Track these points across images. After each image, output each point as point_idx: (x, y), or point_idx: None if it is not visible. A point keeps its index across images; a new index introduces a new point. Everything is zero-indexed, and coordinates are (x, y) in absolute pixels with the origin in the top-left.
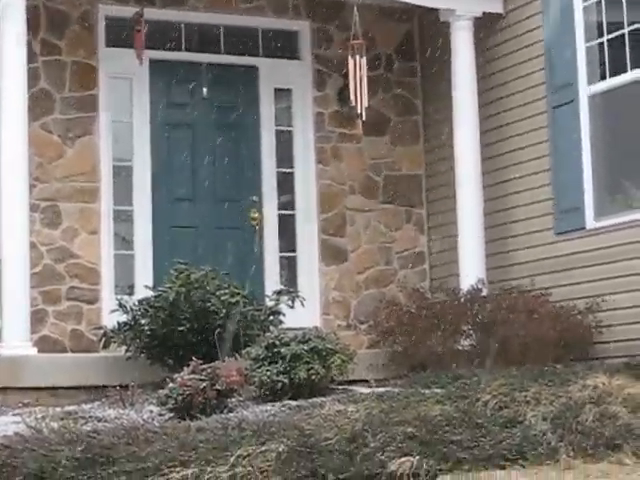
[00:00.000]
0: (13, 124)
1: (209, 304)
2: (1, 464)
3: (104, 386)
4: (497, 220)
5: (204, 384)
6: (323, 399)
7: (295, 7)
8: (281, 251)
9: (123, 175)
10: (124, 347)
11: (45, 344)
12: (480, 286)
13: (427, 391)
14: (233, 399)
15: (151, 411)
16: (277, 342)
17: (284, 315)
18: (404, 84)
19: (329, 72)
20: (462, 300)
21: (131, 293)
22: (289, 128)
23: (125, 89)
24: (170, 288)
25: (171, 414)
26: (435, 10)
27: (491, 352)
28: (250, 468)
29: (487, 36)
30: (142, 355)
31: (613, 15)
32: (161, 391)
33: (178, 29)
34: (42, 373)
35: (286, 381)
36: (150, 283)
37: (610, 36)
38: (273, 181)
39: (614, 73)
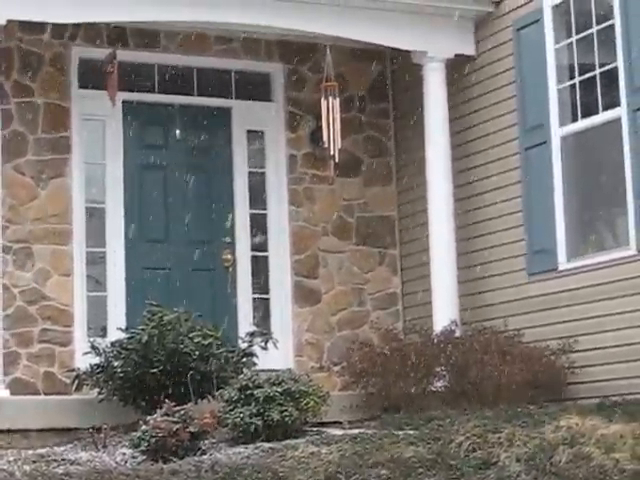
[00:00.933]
0: None
1: (182, 346)
2: None
3: (77, 428)
4: (471, 261)
5: (177, 426)
6: (297, 441)
7: (268, 49)
8: (254, 292)
9: (96, 217)
10: (97, 389)
11: (17, 386)
12: (453, 327)
13: (400, 433)
14: (206, 441)
15: (124, 454)
16: (250, 384)
17: (257, 357)
18: (377, 125)
19: (302, 114)
20: (435, 341)
21: (104, 335)
22: (262, 170)
23: (98, 131)
24: (143, 330)
25: (144, 457)
26: (407, 52)
27: (465, 393)
28: None
29: (459, 78)
30: (115, 397)
31: (584, 57)
32: (134, 433)
33: (151, 71)
34: (14, 415)
35: (259, 423)
36: (123, 325)
37: (582, 78)
38: (246, 223)
39: (586, 114)
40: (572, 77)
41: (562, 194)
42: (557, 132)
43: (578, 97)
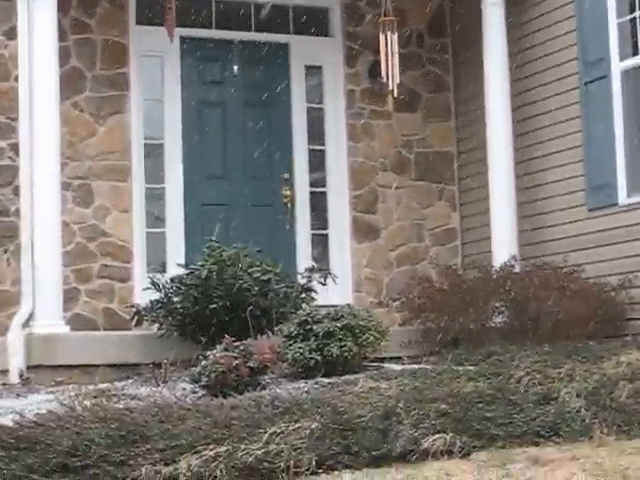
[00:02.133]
0: (45, 102)
1: (241, 282)
2: (35, 442)
3: (137, 364)
4: (529, 197)
5: (237, 361)
6: (356, 376)
7: None
8: (313, 228)
9: (155, 153)
10: (156, 325)
11: (78, 322)
12: (512, 263)
13: (460, 368)
14: (266, 376)
15: (184, 389)
16: (309, 319)
17: (316, 292)
18: (435, 61)
19: (360, 49)
20: (494, 277)
21: (163, 271)
22: (320, 105)
23: (156, 67)
24: (202, 266)
25: (204, 392)
26: None
27: (524, 329)
28: (283, 445)
29: (519, 12)
30: (175, 333)
31: None
32: (194, 369)
33: (209, 6)
34: (75, 351)
35: (319, 358)
36: (182, 261)
37: None
38: (305, 159)
39: None
40: (632, 10)
41: (622, 129)
42: (617, 66)
43: (639, 31)
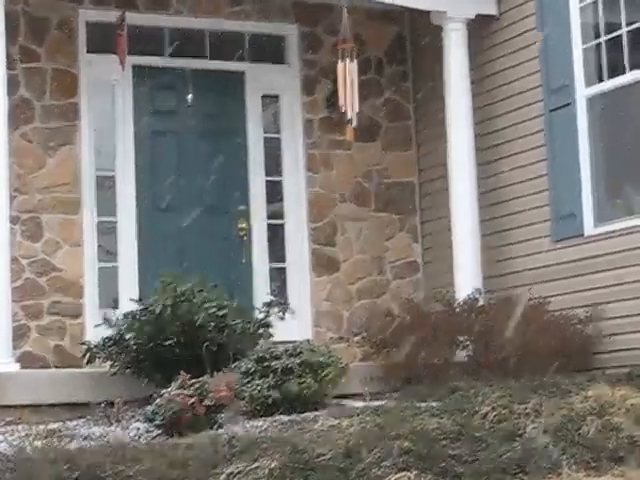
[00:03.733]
0: None
1: (197, 317)
2: None
3: (89, 403)
4: (493, 227)
5: (193, 400)
6: (316, 413)
7: (282, 11)
8: (270, 261)
9: (106, 185)
10: (109, 362)
11: (28, 360)
12: (477, 295)
13: (423, 404)
14: (223, 415)
15: (138, 428)
16: (267, 355)
17: (274, 328)
18: (395, 89)
19: (318, 77)
20: (458, 310)
21: (116, 307)
22: (277, 135)
23: (107, 96)
24: (156, 301)
25: (159, 431)
26: (427, 12)
27: (489, 364)
28: None
29: (480, 38)
30: (128, 370)
31: (610, 16)
32: (148, 407)
33: (162, 34)
34: (25, 390)
35: (277, 395)
36: (135, 296)
37: (607, 37)
38: (262, 190)
39: (612, 74)
40: (597, 36)
41: (588, 157)
42: (582, 93)
43: (604, 57)
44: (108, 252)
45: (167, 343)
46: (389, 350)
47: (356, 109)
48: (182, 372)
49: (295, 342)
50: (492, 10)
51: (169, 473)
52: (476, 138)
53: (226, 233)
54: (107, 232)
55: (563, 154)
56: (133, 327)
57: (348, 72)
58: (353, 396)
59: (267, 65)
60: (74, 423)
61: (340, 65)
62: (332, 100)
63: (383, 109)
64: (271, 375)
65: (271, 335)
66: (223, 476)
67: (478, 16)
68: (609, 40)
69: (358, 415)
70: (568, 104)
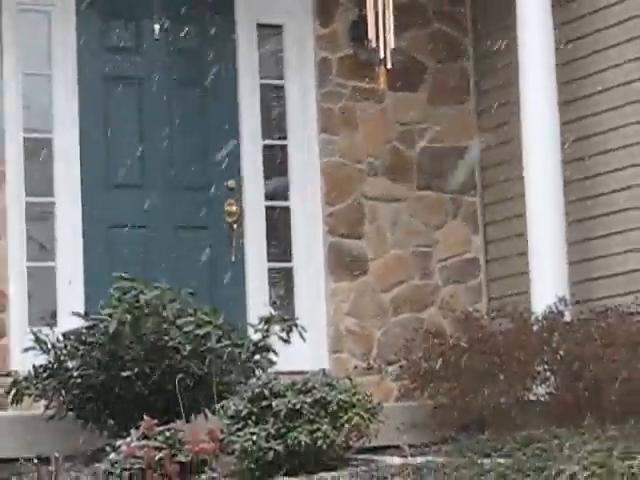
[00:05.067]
0: None
1: (167, 338)
2: None
3: (15, 459)
4: (585, 213)
5: (161, 454)
6: (334, 474)
7: None
8: (270, 260)
9: (40, 153)
10: (43, 402)
11: None
12: (561, 308)
13: (487, 461)
14: (204, 475)
15: None
16: (266, 392)
17: (276, 353)
18: (447, 15)
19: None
20: (535, 328)
21: (53, 323)
22: (280, 82)
23: (41, 27)
24: (110, 315)
25: None
26: None
27: (578, 403)
28: None
29: None
30: (70, 413)
31: None
32: (98, 465)
33: None
34: None
35: (280, 449)
36: (81, 309)
37: None
38: (258, 159)
39: None
40: None
41: None
42: None
43: None
44: (42, 246)
45: (125, 374)
46: (438, 385)
47: (392, 45)
48: (146, 416)
49: (306, 373)
50: None
51: None
52: (560, 86)
53: (208, 220)
54: (40, 218)
55: None
56: (77, 352)
57: None
58: (388, 449)
59: None
60: None
61: None
62: (358, 32)
63: (430, 45)
64: (272, 420)
65: (272, 363)
66: None
67: None
68: None
69: (393, 476)
70: None
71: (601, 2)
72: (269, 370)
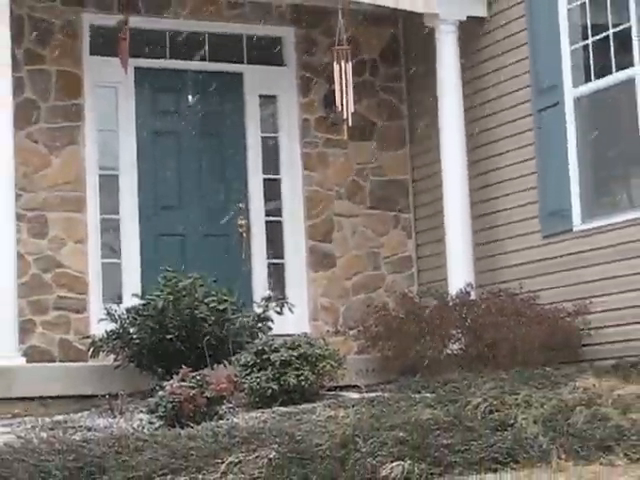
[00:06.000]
0: None
1: (197, 311)
2: None
3: (93, 395)
4: (485, 223)
5: (194, 392)
6: (313, 405)
7: (280, 13)
8: (269, 258)
9: (110, 184)
10: (113, 356)
11: (34, 354)
12: (469, 290)
13: (417, 395)
14: (223, 406)
15: (141, 420)
16: (266, 349)
17: (273, 322)
18: (390, 89)
19: (314, 78)
20: (451, 304)
21: (119, 302)
22: (275, 135)
23: (111, 98)
24: (158, 296)
25: (161, 422)
26: (419, 15)
27: (480, 356)
28: (241, 475)
29: (472, 40)
30: (131, 364)
31: (597, 17)
32: (150, 399)
33: (162, 37)
34: (31, 383)
35: (276, 387)
36: (138, 291)
37: (595, 38)
38: (260, 188)
39: (599, 75)
40: (585, 37)
41: (576, 155)
42: (570, 93)
43: (591, 57)
44: (111, 249)
45: (169, 337)
46: (384, 343)
47: (351, 109)
48: (183, 365)
49: (293, 335)
50: (482, 12)
51: (171, 463)
52: (468, 137)
53: (226, 230)
54: (110, 229)
55: (552, 152)
56: (136, 322)
57: (344, 73)
58: (349, 388)
59: (265, 67)
60: (79, 415)
61: (336, 67)
62: (328, 100)
63: (377, 109)
64: (270, 368)
65: (270, 329)
66: (223, 466)
67: (469, 18)
68: (596, 41)
69: (354, 406)
70: (556, 104)
71: (488, 91)
72: (268, 333)
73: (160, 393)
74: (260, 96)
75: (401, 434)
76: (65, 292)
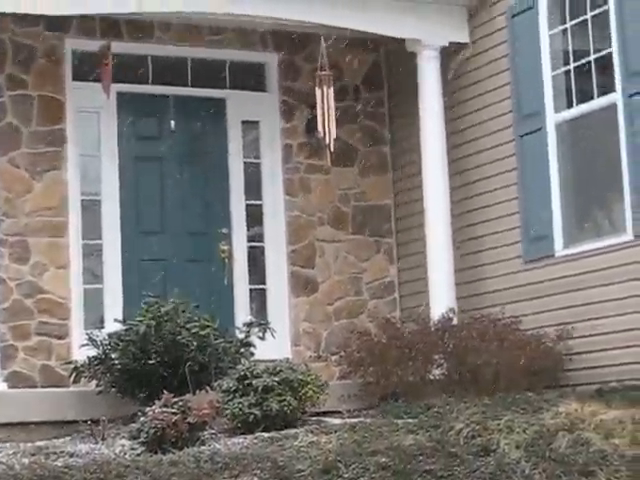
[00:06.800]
0: None
1: (180, 337)
2: None
3: (75, 421)
4: (466, 249)
5: (176, 417)
6: (296, 430)
7: (262, 39)
8: (251, 283)
9: (92, 209)
10: (94, 381)
11: (15, 379)
12: (451, 315)
13: (400, 421)
14: (205, 432)
15: (123, 445)
16: (248, 374)
17: (255, 347)
18: (372, 114)
19: (297, 104)
20: (433, 329)
21: (101, 327)
22: (257, 160)
23: (93, 122)
24: (140, 321)
25: (143, 448)
26: (401, 40)
27: (463, 381)
28: None
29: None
30: (113, 389)
31: (579, 43)
32: (133, 425)
33: (145, 62)
34: (13, 408)
35: (258, 413)
36: (120, 316)
37: (576, 64)
38: (242, 213)
39: (581, 101)
40: (567, 63)
41: (558, 181)
42: (552, 118)
43: (573, 83)
44: (93, 274)
45: (151, 362)
46: (366, 368)
47: (334, 135)
48: (165, 391)
49: (275, 361)
50: (464, 38)
51: None
52: (450, 162)
53: (208, 255)
54: (93, 254)
55: (534, 178)
56: (118, 347)
57: (326, 99)
58: (332, 413)
59: (247, 92)
60: (61, 441)
61: (318, 92)
62: (310, 126)
63: (360, 134)
64: (252, 393)
65: (252, 354)
66: None
67: (451, 43)
68: (578, 67)
69: (336, 432)
70: (538, 129)
71: (469, 117)
72: (250, 359)
73: (142, 419)
74: (243, 122)
75: (383, 460)
76: (47, 318)
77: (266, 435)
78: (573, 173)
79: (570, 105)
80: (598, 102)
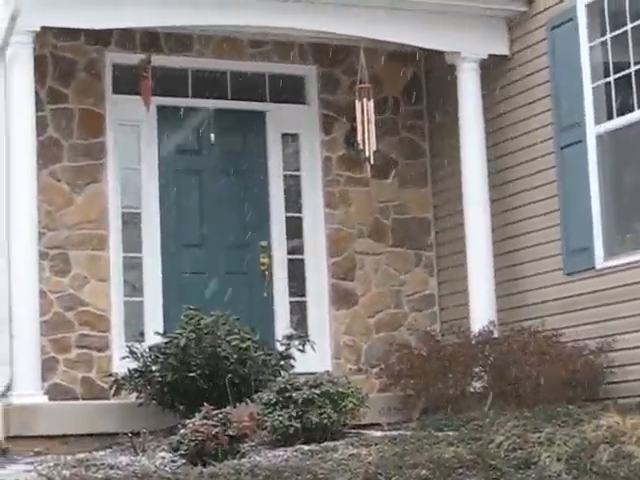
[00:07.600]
0: (22, 173)
1: (220, 349)
2: None
3: (115, 433)
4: (507, 261)
5: (216, 430)
6: (336, 443)
7: (302, 52)
8: (291, 295)
9: (132, 222)
10: (135, 394)
11: (56, 392)
12: (491, 328)
13: (440, 434)
14: (245, 444)
15: (163, 458)
16: (288, 387)
17: (295, 359)
18: (411, 127)
19: (336, 116)
20: (473, 342)
21: (141, 340)
22: (297, 173)
23: (133, 136)
24: (180, 334)
25: (183, 460)
26: (441, 53)
27: (503, 394)
28: None
29: (494, 78)
30: (153, 401)
31: (619, 55)
32: (173, 437)
33: (185, 75)
34: (53, 421)
35: (298, 426)
36: (160, 329)
37: (616, 76)
38: (282, 226)
39: (621, 112)
40: (607, 75)
41: (598, 192)
42: (592, 130)
43: (613, 95)
44: (134, 287)
45: (191, 375)
46: (406, 381)
47: (373, 147)
48: (205, 403)
49: (315, 374)
50: (504, 50)
51: None
52: (490, 175)
53: (248, 268)
54: (133, 267)
55: (574, 190)
56: (158, 359)
57: (365, 111)
58: (372, 426)
59: (287, 105)
60: (101, 453)
61: (358, 104)
62: (350, 138)
63: (399, 147)
64: (292, 406)
65: (292, 367)
66: None
67: (491, 56)
68: (618, 79)
69: (377, 444)
70: (579, 141)
71: (509, 129)
72: (290, 371)
73: (182, 431)
74: (282, 134)
75: (424, 472)
76: (87, 330)
77: (306, 448)
78: (613, 185)
79: (610, 117)
80: (638, 113)
